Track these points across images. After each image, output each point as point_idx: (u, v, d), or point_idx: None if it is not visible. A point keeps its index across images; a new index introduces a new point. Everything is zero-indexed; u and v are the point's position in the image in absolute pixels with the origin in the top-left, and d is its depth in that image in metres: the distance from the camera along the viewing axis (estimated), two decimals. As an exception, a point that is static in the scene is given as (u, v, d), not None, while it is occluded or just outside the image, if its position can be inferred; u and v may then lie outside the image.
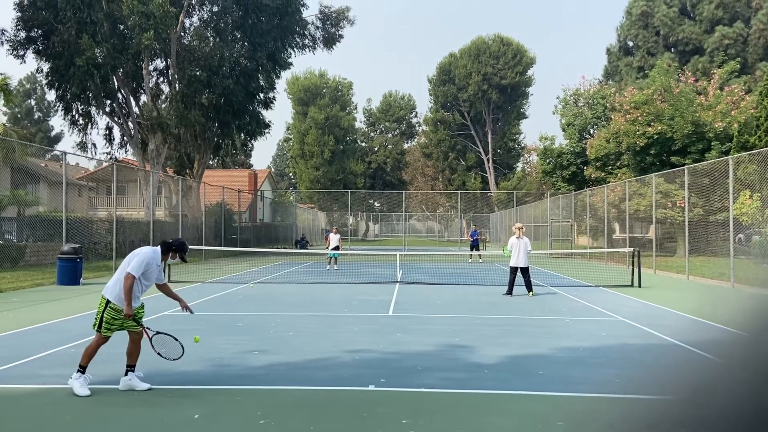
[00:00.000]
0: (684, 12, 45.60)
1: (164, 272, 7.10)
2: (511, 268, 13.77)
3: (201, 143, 33.02)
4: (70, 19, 26.75)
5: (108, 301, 5.82)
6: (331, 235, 22.80)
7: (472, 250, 27.97)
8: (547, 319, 10.40)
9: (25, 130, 53.58)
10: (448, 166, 69.83)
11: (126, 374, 5.84)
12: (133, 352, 5.88)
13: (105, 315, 5.78)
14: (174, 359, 6.06)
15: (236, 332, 9.00)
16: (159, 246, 6.15)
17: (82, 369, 5.70)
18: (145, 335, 5.96)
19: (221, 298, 13.31)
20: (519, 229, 13.86)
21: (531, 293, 13.55)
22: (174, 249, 6.15)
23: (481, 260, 28.35)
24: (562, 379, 6.35)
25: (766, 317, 0.66)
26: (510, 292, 13.69)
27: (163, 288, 6.37)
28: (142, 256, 5.88)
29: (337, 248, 22.31)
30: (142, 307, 6.10)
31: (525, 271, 13.64)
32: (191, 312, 6.32)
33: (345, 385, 6.04)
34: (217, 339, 8.43)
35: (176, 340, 6.02)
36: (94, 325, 5.85)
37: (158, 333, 6.04)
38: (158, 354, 6.02)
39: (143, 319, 6.12)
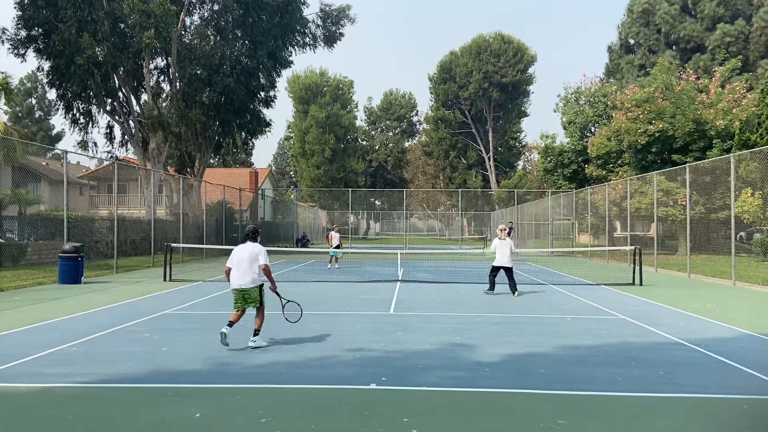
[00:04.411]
0: (685, 9, 45.54)
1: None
2: (494, 267, 13.84)
3: (202, 142, 32.99)
4: (71, 18, 26.72)
5: (261, 286, 7.99)
6: (332, 233, 22.81)
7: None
8: (548, 318, 10.40)
9: (26, 129, 53.66)
10: (449, 164, 69.78)
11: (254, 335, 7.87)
12: (258, 321, 7.94)
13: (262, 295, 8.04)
14: (294, 322, 8.55)
15: (237, 331, 8.98)
16: (251, 239, 8.05)
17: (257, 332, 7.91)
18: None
19: (222, 296, 13.30)
20: (502, 230, 14.00)
21: (516, 293, 13.53)
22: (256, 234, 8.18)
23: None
24: (563, 377, 6.35)
25: None
26: (492, 288, 13.76)
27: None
28: (263, 249, 7.98)
29: (338, 246, 22.33)
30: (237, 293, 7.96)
31: (509, 271, 13.73)
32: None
33: (346, 384, 6.04)
34: (219, 337, 8.41)
35: (298, 305, 8.56)
36: (255, 303, 7.93)
37: (288, 301, 8.46)
38: (285, 318, 8.54)
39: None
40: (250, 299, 7.92)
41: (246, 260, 7.84)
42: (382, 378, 6.25)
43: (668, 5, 45.25)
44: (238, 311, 7.97)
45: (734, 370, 6.75)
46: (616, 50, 50.74)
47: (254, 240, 8.06)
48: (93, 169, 45.96)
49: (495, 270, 13.82)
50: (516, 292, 13.49)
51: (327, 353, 7.43)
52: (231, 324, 7.81)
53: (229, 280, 7.98)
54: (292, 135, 76.20)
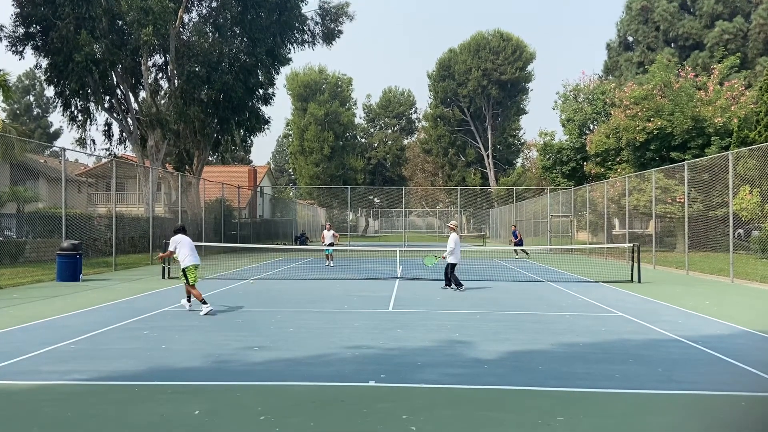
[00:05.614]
0: (684, 7, 45.53)
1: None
2: (454, 265, 14.06)
3: (200, 139, 32.93)
4: (69, 15, 26.64)
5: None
6: (324, 232, 22.71)
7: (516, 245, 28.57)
8: (546, 315, 10.41)
9: (24, 127, 53.49)
10: (447, 161, 69.75)
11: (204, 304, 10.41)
12: (198, 295, 10.46)
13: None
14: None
15: (236, 328, 9.01)
16: (184, 232, 11.23)
17: (205, 302, 10.42)
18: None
19: (221, 294, 13.32)
20: (456, 226, 14.45)
21: (446, 287, 14.14)
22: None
23: (528, 255, 28.61)
24: (562, 374, 6.36)
25: None
26: (460, 284, 13.93)
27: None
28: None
29: (331, 244, 22.24)
30: (196, 268, 10.77)
31: (454, 267, 14.10)
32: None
33: (345, 381, 6.05)
34: (218, 335, 8.44)
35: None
36: (194, 281, 10.63)
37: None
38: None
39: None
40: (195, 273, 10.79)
41: (192, 245, 10.98)
42: (381, 375, 6.26)
43: (667, 2, 45.22)
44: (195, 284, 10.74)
45: (732, 367, 6.76)
46: (615, 48, 50.70)
47: (186, 232, 11.26)
48: (91, 167, 45.97)
49: (453, 267, 14.04)
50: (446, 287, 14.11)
51: (326, 351, 7.44)
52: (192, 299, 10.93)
53: (174, 259, 11.08)
54: (290, 132, 76.11)
